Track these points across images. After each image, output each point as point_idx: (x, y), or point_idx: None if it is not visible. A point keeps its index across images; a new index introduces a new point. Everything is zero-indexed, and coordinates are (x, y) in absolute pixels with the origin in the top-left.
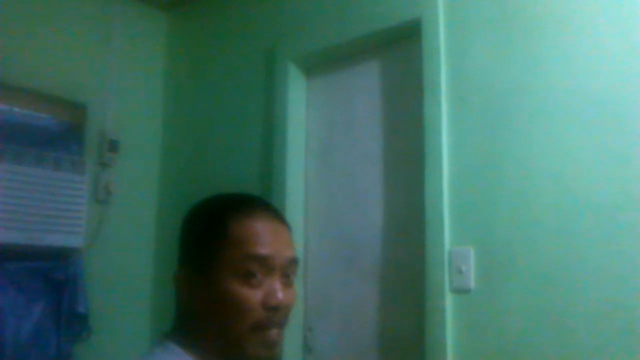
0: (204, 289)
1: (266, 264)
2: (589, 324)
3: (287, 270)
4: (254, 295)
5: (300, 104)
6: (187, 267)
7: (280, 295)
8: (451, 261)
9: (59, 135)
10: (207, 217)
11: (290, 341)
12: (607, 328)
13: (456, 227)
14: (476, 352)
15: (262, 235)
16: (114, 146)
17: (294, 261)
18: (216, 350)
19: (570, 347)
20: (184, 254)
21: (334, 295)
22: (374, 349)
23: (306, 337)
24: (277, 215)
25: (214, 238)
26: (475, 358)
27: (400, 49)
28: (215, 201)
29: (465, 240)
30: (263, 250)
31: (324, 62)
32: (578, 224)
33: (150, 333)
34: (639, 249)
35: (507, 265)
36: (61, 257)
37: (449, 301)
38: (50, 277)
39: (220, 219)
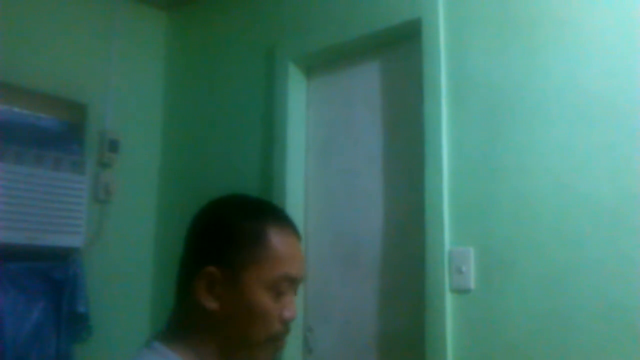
0: (229, 292)
1: (293, 282)
2: (589, 324)
3: (298, 288)
4: (275, 308)
5: (300, 104)
6: (214, 267)
7: (294, 310)
8: (451, 261)
9: (59, 135)
10: (245, 222)
11: (291, 341)
12: (608, 328)
13: (456, 227)
14: (476, 352)
15: (296, 256)
16: (114, 146)
17: (302, 280)
18: (218, 351)
19: (570, 347)
20: (207, 253)
21: (334, 295)
22: (374, 349)
23: (306, 337)
24: (297, 231)
25: (254, 246)
26: (475, 358)
27: (400, 49)
28: (248, 205)
29: (465, 240)
30: (296, 271)
31: (324, 62)
32: (578, 224)
33: (150, 333)
34: (639, 249)
35: (507, 265)
36: (61, 257)
37: (449, 301)
38: (50, 277)
39: (262, 229)
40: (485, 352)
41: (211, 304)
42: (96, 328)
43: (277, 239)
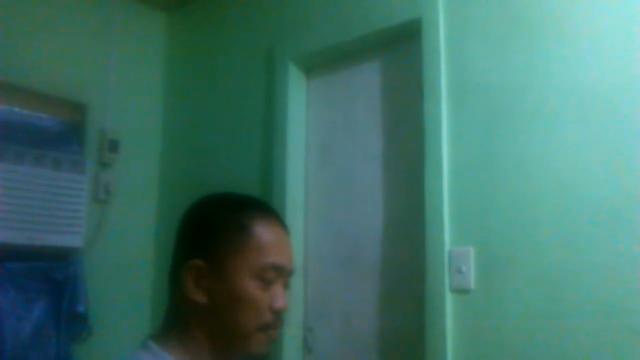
0: (216, 284)
1: (279, 272)
2: (589, 324)
3: (288, 280)
4: (264, 298)
5: (300, 104)
6: (199, 260)
7: (284, 301)
8: (451, 261)
9: (59, 135)
10: (228, 214)
11: (290, 341)
12: (607, 328)
13: (456, 227)
14: (476, 352)
15: (283, 246)
16: (114, 146)
17: (293, 273)
18: (212, 345)
19: (570, 347)
20: (195, 247)
21: (334, 295)
22: (374, 349)
23: (306, 337)
24: (285, 224)
25: (237, 237)
26: (475, 358)
27: (400, 49)
28: (234, 199)
29: (465, 240)
30: (281, 260)
31: (324, 62)
32: (578, 224)
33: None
34: (639, 249)
35: (507, 265)
36: (61, 257)
37: (449, 301)
38: (50, 277)
39: (245, 219)
40: (485, 352)
41: (199, 297)
42: (96, 328)
43: (260, 228)
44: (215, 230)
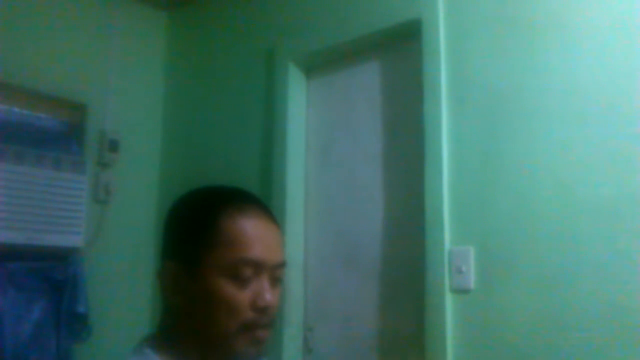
0: (190, 285)
1: (257, 266)
2: (588, 324)
3: (275, 273)
4: (242, 296)
5: (300, 104)
6: (172, 261)
7: (268, 297)
8: (451, 261)
9: (59, 135)
10: (197, 210)
11: (290, 341)
12: (607, 328)
13: (456, 227)
14: (476, 352)
15: (255, 237)
16: (114, 146)
17: (282, 265)
18: (198, 348)
19: (570, 347)
20: (169, 248)
21: (334, 295)
22: (374, 349)
23: (306, 337)
24: (268, 213)
25: (204, 233)
26: (475, 358)
27: (400, 49)
28: (204, 194)
29: (465, 240)
30: (256, 254)
31: (324, 62)
32: (578, 224)
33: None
34: (639, 249)
35: (507, 265)
36: (61, 257)
37: (449, 301)
38: (50, 277)
39: (210, 214)
40: (485, 352)
41: (177, 300)
42: (96, 328)
43: (228, 222)
44: (182, 230)
